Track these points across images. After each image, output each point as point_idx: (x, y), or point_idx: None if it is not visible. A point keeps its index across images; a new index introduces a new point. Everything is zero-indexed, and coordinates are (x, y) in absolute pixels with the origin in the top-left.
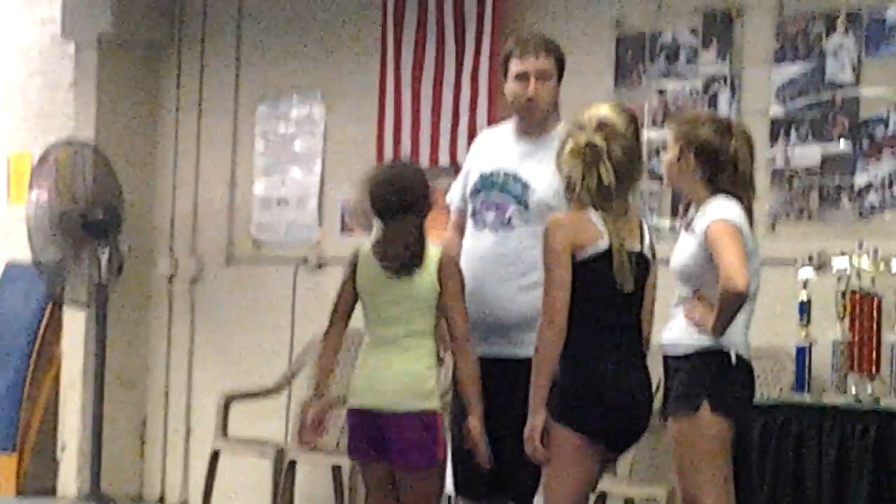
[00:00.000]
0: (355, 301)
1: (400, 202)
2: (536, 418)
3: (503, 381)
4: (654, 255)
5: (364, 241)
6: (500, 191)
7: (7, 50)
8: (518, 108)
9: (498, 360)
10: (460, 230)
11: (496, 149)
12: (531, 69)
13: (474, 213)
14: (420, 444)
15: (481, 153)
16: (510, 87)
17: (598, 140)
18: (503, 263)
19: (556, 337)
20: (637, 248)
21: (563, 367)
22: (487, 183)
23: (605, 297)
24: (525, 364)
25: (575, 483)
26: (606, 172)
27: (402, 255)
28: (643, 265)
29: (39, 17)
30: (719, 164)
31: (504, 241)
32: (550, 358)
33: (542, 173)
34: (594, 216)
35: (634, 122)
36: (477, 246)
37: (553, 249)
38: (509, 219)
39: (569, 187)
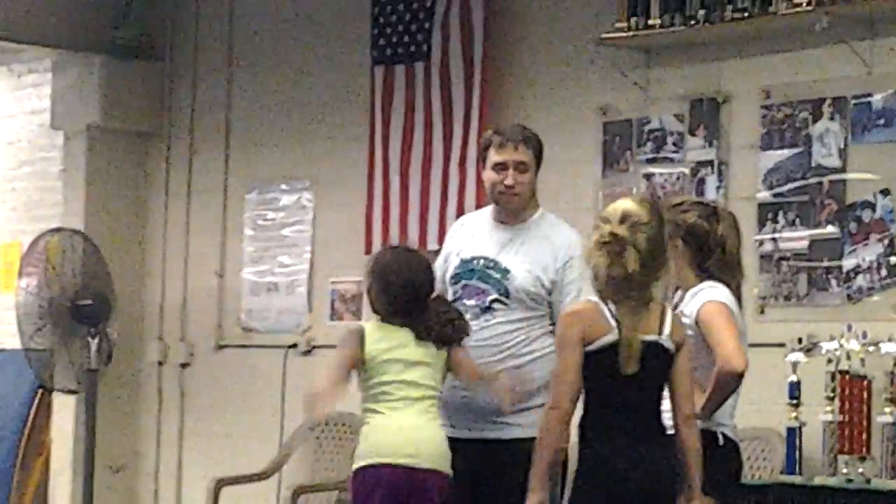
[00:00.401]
0: (353, 366)
1: (422, 298)
2: (533, 497)
3: (489, 462)
4: (681, 344)
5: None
6: (480, 277)
7: None
8: (495, 197)
9: (482, 442)
10: None
11: (475, 235)
12: (509, 160)
13: (456, 299)
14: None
15: (460, 239)
16: (488, 175)
17: (623, 231)
18: (485, 348)
19: (557, 420)
20: (653, 337)
21: (578, 453)
22: (468, 269)
23: (612, 383)
24: (510, 445)
25: None
26: (632, 262)
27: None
28: (660, 353)
29: (29, 108)
30: (708, 248)
31: (485, 327)
32: (551, 440)
33: (521, 261)
34: (607, 309)
35: (658, 214)
36: None
37: (565, 338)
38: (489, 305)
39: (596, 278)
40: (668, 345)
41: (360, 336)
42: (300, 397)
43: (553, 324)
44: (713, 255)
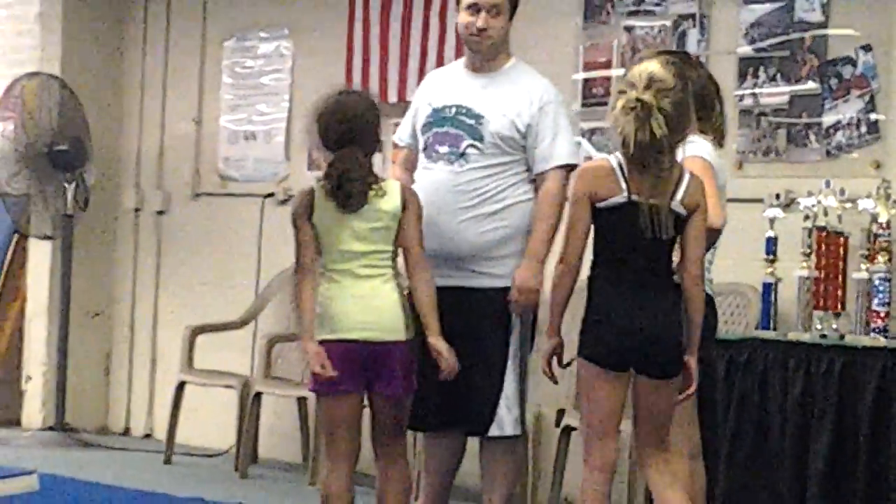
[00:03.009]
0: (316, 236)
1: (346, 132)
2: (548, 343)
3: (457, 310)
4: (695, 209)
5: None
6: (453, 124)
7: None
8: (467, 40)
9: (452, 290)
10: (409, 168)
11: (448, 84)
12: (483, 2)
13: (426, 147)
14: (407, 371)
15: (432, 89)
16: (461, 17)
17: (649, 97)
18: (458, 194)
19: (565, 273)
20: (664, 202)
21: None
22: (440, 117)
23: (620, 241)
24: (479, 293)
25: (598, 409)
26: (658, 128)
27: (354, 189)
28: (671, 217)
29: None
30: (712, 106)
31: (459, 172)
32: (560, 291)
33: (495, 106)
34: (620, 171)
35: (684, 79)
36: (431, 178)
37: (574, 193)
38: (464, 151)
39: (623, 144)
40: (680, 209)
41: (310, 203)
42: (275, 247)
43: (528, 170)
44: (715, 111)
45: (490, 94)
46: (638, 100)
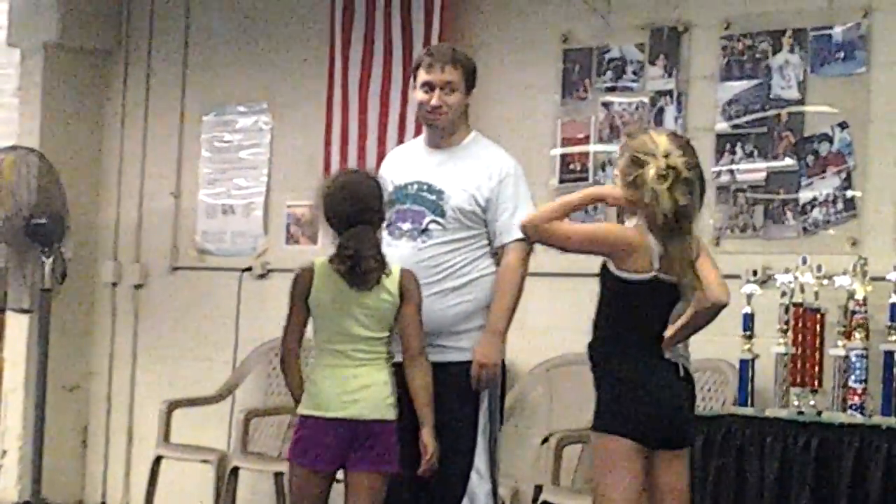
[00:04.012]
0: (307, 319)
1: (356, 212)
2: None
3: None
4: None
5: (313, 256)
6: (414, 200)
7: None
8: (423, 117)
9: None
10: None
11: (408, 162)
12: (436, 80)
13: (390, 224)
14: (388, 452)
15: (393, 167)
16: (417, 95)
17: (680, 164)
18: (422, 270)
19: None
20: (689, 276)
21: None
22: (401, 194)
23: (643, 314)
24: (446, 367)
25: (624, 490)
26: (685, 195)
27: (372, 267)
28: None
29: None
30: None
31: (422, 248)
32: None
33: (455, 181)
34: (656, 247)
35: (693, 148)
36: (395, 255)
37: (603, 230)
38: (426, 227)
39: (655, 210)
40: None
41: (309, 280)
42: (253, 321)
43: (489, 244)
44: None
45: (450, 169)
46: (669, 166)
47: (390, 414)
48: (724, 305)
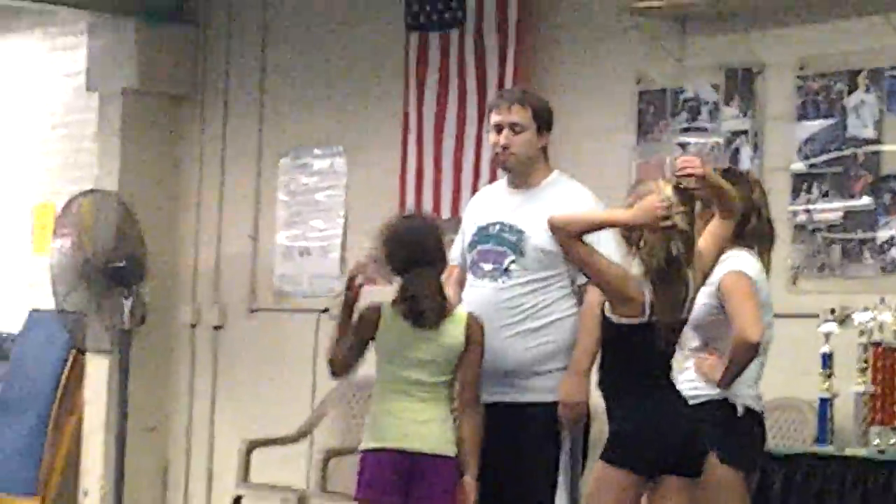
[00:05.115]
0: (364, 354)
1: (414, 256)
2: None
3: (505, 426)
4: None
5: (380, 299)
6: (496, 241)
7: (32, 102)
8: (495, 158)
9: (499, 406)
10: (460, 284)
11: (490, 203)
12: (503, 121)
13: (472, 265)
14: (450, 486)
15: (477, 208)
16: (490, 137)
17: (677, 219)
18: (503, 311)
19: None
20: (680, 317)
21: (611, 413)
22: (483, 235)
23: (641, 357)
24: (527, 409)
25: None
26: (676, 247)
27: (430, 307)
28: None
29: (64, 71)
30: (744, 216)
31: (503, 288)
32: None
33: (536, 221)
34: (648, 293)
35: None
36: (476, 295)
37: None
38: (507, 267)
39: (647, 260)
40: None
41: (375, 322)
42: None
43: (573, 283)
44: (749, 222)
45: (530, 210)
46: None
47: (450, 451)
48: (755, 345)
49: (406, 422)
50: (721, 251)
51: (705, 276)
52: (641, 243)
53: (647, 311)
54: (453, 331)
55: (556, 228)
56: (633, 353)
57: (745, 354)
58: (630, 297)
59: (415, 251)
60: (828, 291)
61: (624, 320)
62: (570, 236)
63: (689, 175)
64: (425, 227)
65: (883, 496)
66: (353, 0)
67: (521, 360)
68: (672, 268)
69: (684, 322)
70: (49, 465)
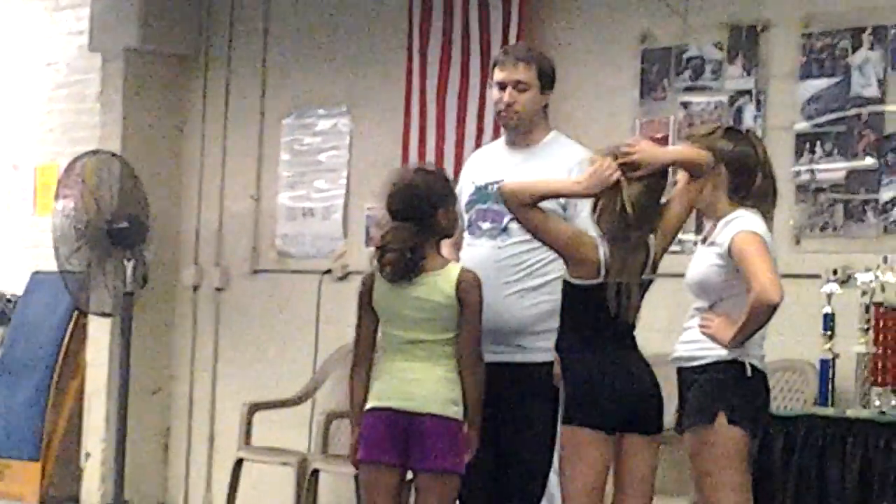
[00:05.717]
0: (377, 325)
1: (405, 208)
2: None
3: (505, 386)
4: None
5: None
6: (495, 200)
7: (34, 62)
8: (498, 116)
9: (500, 365)
10: (457, 245)
11: (489, 162)
12: (508, 78)
13: (470, 224)
14: (449, 448)
15: (475, 168)
16: (493, 94)
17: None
18: (502, 269)
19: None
20: (639, 279)
21: (568, 372)
22: (482, 194)
23: (596, 317)
24: (526, 368)
25: (587, 476)
26: (628, 205)
27: (394, 260)
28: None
29: (66, 30)
30: (751, 174)
31: (502, 247)
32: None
33: (534, 179)
34: (604, 252)
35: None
36: (475, 254)
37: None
38: (506, 226)
39: (610, 206)
40: (647, 279)
41: (371, 285)
42: (333, 323)
43: None
44: (755, 181)
45: (529, 168)
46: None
47: (449, 411)
48: (775, 306)
49: (404, 381)
50: (689, 211)
51: (673, 235)
52: (598, 206)
53: (603, 272)
54: (443, 287)
55: (506, 196)
56: (587, 314)
57: (764, 315)
58: (584, 258)
59: (408, 205)
60: (830, 252)
61: (578, 281)
62: (522, 204)
63: (627, 163)
64: (432, 185)
65: (884, 457)
66: None
67: (520, 319)
68: (628, 229)
69: (646, 284)
70: (51, 428)
